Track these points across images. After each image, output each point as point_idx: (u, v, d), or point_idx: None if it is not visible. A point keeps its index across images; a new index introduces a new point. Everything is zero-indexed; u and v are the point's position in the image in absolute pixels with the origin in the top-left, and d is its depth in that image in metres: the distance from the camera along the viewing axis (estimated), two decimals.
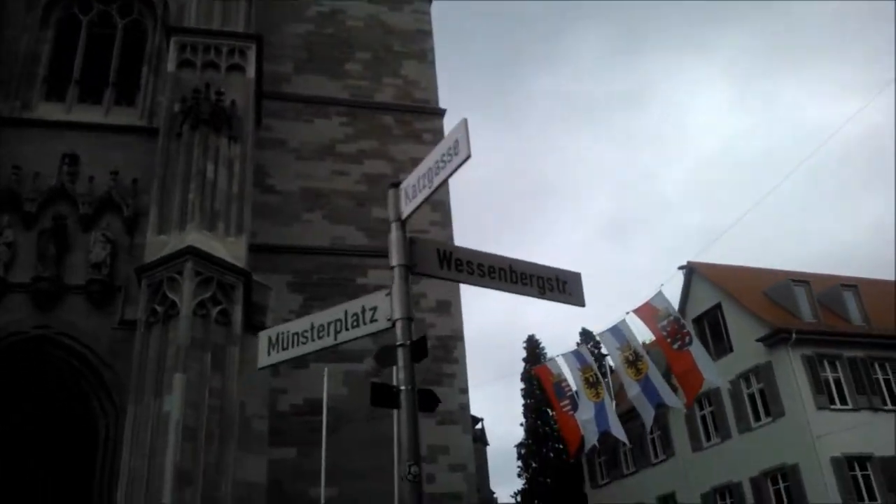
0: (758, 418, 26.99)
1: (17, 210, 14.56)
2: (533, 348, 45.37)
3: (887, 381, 27.01)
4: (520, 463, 43.97)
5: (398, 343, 4.81)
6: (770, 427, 26.25)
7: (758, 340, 26.60)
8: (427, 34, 23.65)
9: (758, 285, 29.51)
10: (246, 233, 14.23)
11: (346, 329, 5.32)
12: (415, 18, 23.78)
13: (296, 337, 5.52)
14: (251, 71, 15.91)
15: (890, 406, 26.34)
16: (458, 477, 18.04)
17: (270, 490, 13.88)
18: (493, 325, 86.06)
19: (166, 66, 15.73)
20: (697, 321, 29.28)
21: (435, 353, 18.92)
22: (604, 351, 15.87)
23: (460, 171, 4.83)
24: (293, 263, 18.87)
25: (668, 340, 10.20)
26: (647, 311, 10.45)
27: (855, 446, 24.54)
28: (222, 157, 14.35)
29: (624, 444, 32.49)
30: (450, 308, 19.83)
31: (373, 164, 21.05)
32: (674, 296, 29.52)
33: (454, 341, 19.52)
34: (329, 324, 5.40)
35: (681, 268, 30.16)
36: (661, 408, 12.01)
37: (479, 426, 42.38)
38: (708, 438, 29.41)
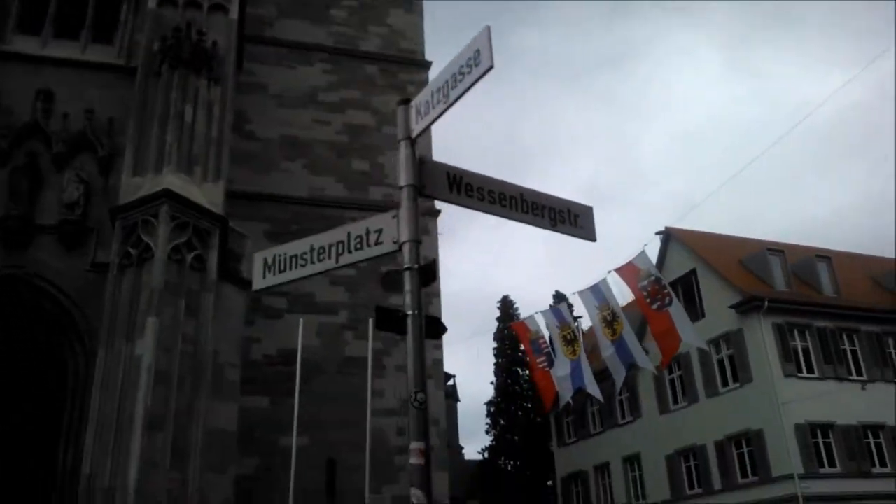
0: (725, 384, 27.40)
1: None
2: (507, 309, 45.69)
3: (854, 353, 27.49)
4: (488, 420, 44.49)
5: (405, 266, 4.54)
6: (737, 393, 26.67)
7: (730, 307, 26.88)
8: None
9: (734, 254, 29.75)
10: (224, 178, 13.96)
11: (349, 251, 5.03)
12: None
13: (294, 259, 5.25)
14: (234, 12, 15.47)
15: (855, 376, 26.85)
16: (429, 431, 18.16)
17: (241, 438, 13.86)
18: (467, 286, 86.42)
19: (146, 4, 15.26)
20: (671, 286, 29.31)
21: None
22: (576, 313, 15.91)
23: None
24: (270, 212, 18.66)
25: (648, 301, 10.20)
26: (628, 271, 10.43)
27: (819, 414, 25.04)
28: (202, 99, 13.99)
29: (592, 404, 33.10)
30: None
31: (355, 115, 20.75)
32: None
33: (430, 298, 19.47)
34: (330, 246, 5.12)
35: (658, 233, 30.30)
36: (631, 369, 12.06)
37: (450, 383, 42.75)
38: (675, 402, 29.84)
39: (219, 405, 12.51)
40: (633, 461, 31.77)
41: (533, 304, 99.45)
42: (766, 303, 26.23)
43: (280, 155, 19.71)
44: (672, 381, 29.99)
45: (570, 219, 5.27)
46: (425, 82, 21.39)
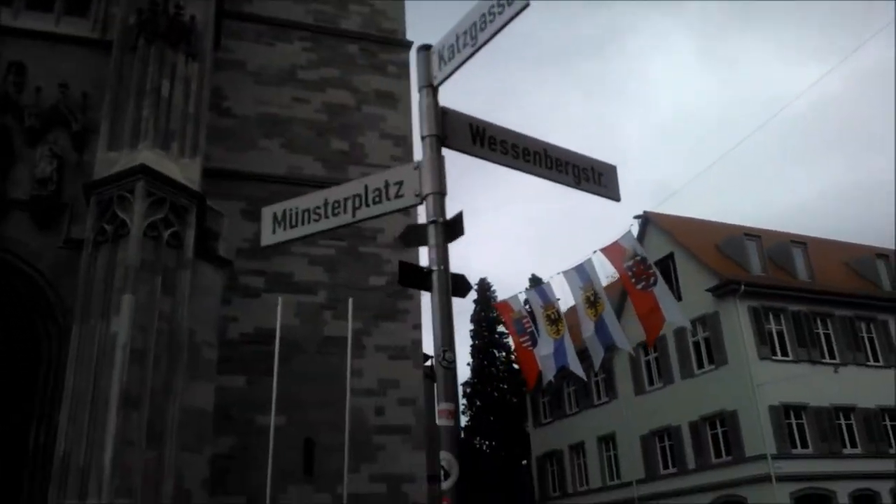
0: (701, 365, 27.66)
1: None
2: (484, 291, 45.89)
3: (827, 336, 27.84)
4: (465, 401, 44.72)
5: (430, 220, 4.25)
6: (712, 374, 26.94)
7: (707, 290, 27.09)
8: None
9: (711, 238, 29.95)
10: (200, 155, 13.77)
11: (367, 205, 4.70)
12: None
13: (306, 214, 4.88)
14: None
15: (828, 359, 27.20)
16: (407, 411, 18.13)
17: (218, 417, 13.76)
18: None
19: None
20: None
21: (390, 289, 18.82)
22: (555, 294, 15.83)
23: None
24: (247, 191, 18.42)
25: (633, 280, 10.17)
26: (614, 251, 10.38)
27: (792, 396, 25.36)
28: (179, 74, 13.76)
29: (568, 385, 33.31)
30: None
31: (335, 94, 20.51)
32: None
33: None
34: (346, 199, 4.77)
35: (637, 217, 30.39)
36: (609, 351, 12.06)
37: (428, 363, 42.77)
38: (651, 383, 30.10)
39: (195, 384, 12.40)
40: (608, 441, 32.06)
41: (510, 287, 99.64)
42: (742, 286, 26.46)
43: (257, 133, 19.45)
44: (648, 363, 30.23)
45: (594, 177, 5.07)
46: (406, 63, 21.22)
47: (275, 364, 13.27)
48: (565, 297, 12.15)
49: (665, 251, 29.69)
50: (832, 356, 27.46)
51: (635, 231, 30.38)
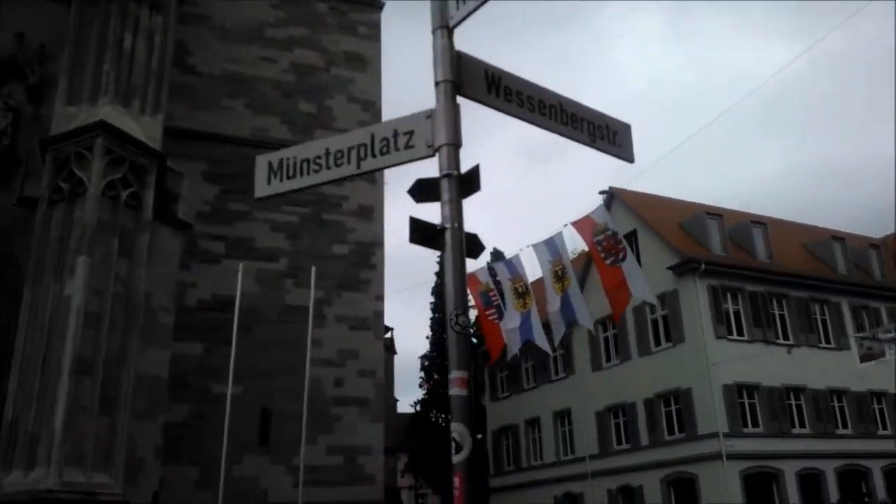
0: (658, 343, 27.86)
1: None
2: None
3: (783, 317, 28.20)
4: (422, 374, 44.67)
5: (443, 173, 3.94)
6: (669, 352, 27.15)
7: (668, 268, 27.20)
8: None
9: (674, 216, 30.04)
10: (162, 113, 13.29)
11: (373, 156, 4.33)
12: None
13: (305, 164, 4.51)
14: None
15: (782, 340, 27.58)
16: (367, 383, 17.96)
17: (173, 384, 13.45)
18: (406, 238, 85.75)
19: None
20: None
21: (353, 259, 18.53)
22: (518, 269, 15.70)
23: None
24: (209, 152, 17.94)
25: (602, 255, 10.07)
26: (585, 224, 10.27)
27: (746, 375, 25.67)
28: (142, 27, 13.20)
29: (527, 360, 33.40)
30: (372, 213, 19.35)
31: (303, 54, 19.99)
32: None
33: (374, 247, 19.14)
34: (350, 149, 4.40)
35: (602, 192, 30.36)
36: (569, 326, 11.99)
37: (388, 335, 42.64)
38: (608, 359, 30.27)
39: (150, 350, 12.08)
40: (563, 416, 32.26)
41: (472, 261, 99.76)
42: (703, 265, 26.61)
43: (222, 91, 18.89)
44: (606, 340, 30.38)
45: (608, 136, 4.81)
46: (378, 24, 20.74)
47: (233, 332, 12.95)
48: (532, 270, 12.07)
49: (629, 227, 29.68)
50: (786, 337, 27.84)
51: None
